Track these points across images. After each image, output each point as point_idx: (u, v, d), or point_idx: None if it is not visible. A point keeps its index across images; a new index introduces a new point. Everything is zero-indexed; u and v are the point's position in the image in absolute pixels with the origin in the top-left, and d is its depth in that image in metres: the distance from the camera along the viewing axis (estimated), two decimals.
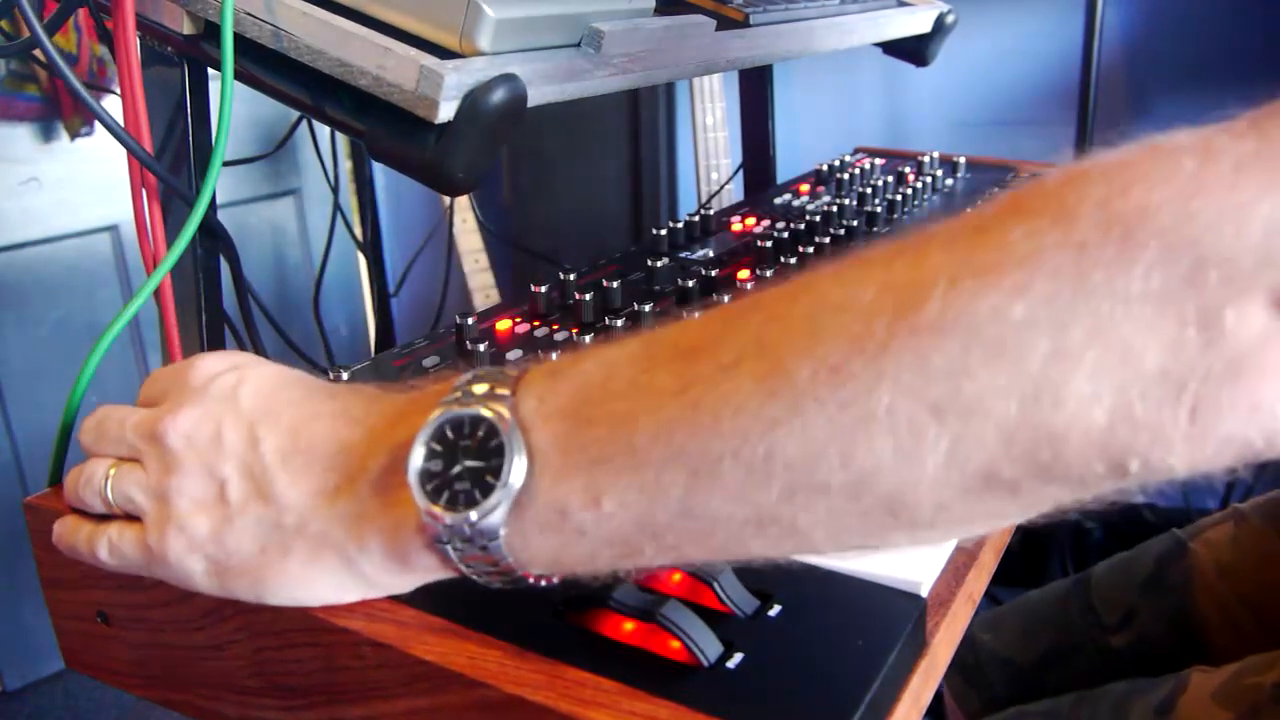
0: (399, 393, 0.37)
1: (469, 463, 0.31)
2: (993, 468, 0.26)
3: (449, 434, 0.32)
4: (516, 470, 0.31)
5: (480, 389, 0.32)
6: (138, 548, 0.38)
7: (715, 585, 0.36)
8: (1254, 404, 0.24)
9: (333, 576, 0.35)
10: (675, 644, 0.34)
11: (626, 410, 0.30)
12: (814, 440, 0.27)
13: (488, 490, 0.31)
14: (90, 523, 0.40)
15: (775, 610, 0.36)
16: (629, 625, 0.35)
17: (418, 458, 0.32)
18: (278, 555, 0.35)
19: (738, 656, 0.34)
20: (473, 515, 0.31)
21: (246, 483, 0.36)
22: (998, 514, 0.28)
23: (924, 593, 0.38)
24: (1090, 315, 0.25)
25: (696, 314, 0.32)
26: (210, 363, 0.39)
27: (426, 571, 0.35)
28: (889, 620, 0.36)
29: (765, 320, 0.29)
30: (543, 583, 0.33)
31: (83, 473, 0.40)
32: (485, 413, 0.31)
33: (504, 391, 0.32)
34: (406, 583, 0.36)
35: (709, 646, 0.34)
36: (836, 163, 1.04)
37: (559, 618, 0.36)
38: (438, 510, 0.31)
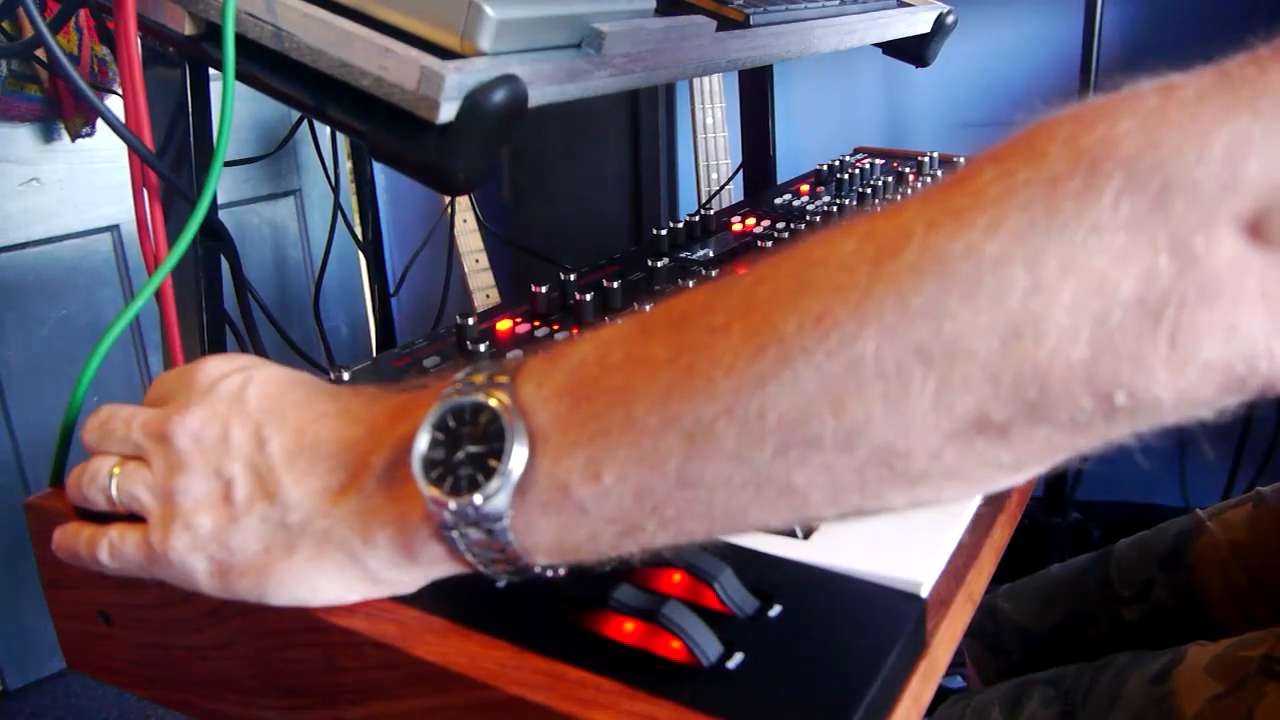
0: (400, 391, 0.37)
1: (471, 448, 0.32)
2: (981, 409, 0.26)
3: (451, 422, 0.32)
4: (517, 452, 0.31)
5: (479, 378, 0.33)
6: (140, 548, 0.38)
7: (716, 585, 0.36)
8: (1230, 327, 0.24)
9: (338, 574, 0.35)
10: (676, 644, 0.34)
11: (622, 383, 0.30)
12: (804, 392, 0.27)
13: (490, 474, 0.31)
14: (90, 527, 0.40)
15: (775, 610, 0.36)
16: (629, 625, 0.35)
17: (421, 445, 0.33)
18: (283, 554, 0.35)
19: (738, 657, 0.34)
20: (476, 499, 0.31)
21: (252, 482, 0.36)
22: (991, 463, 0.28)
23: (924, 593, 0.38)
24: (1064, 248, 0.25)
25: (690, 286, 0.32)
26: (217, 364, 0.40)
27: (433, 564, 0.35)
28: (889, 621, 0.36)
29: (752, 283, 0.30)
30: (549, 573, 0.33)
31: (86, 470, 0.40)
32: (485, 399, 0.32)
33: (503, 379, 0.32)
34: (413, 579, 0.36)
35: (709, 647, 0.34)
36: (836, 163, 1.04)
37: (559, 618, 0.36)
38: (441, 495, 0.31)
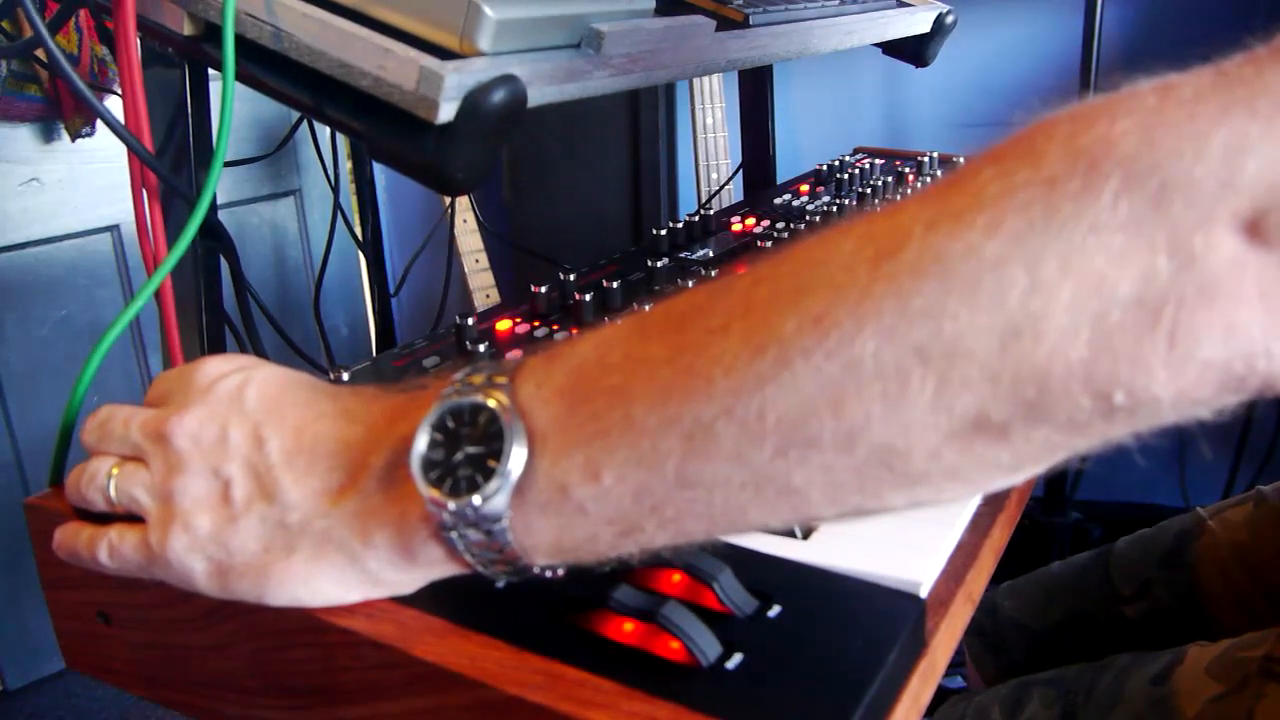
0: (399, 392, 0.37)
1: (470, 449, 0.32)
2: (980, 409, 0.26)
3: (450, 423, 0.32)
4: (516, 453, 0.31)
5: (479, 379, 0.33)
6: (139, 548, 0.38)
7: (715, 586, 0.36)
8: (1229, 326, 0.24)
9: (337, 575, 0.35)
10: (675, 644, 0.34)
11: (621, 383, 0.30)
12: (803, 392, 0.27)
13: (489, 475, 0.31)
14: (90, 527, 0.40)
15: (775, 611, 0.36)
16: (629, 626, 0.35)
17: (420, 446, 0.33)
18: (282, 554, 0.35)
19: (737, 657, 0.34)
20: (475, 500, 0.31)
21: (251, 482, 0.36)
22: (991, 463, 0.28)
23: (923, 593, 0.38)
24: (1062, 248, 0.25)
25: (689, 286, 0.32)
26: (216, 365, 0.40)
27: (431, 565, 0.35)
28: (888, 621, 0.36)
29: (751, 284, 0.30)
30: (548, 574, 0.33)
31: (85, 471, 0.40)
32: (484, 400, 0.32)
33: (502, 380, 0.32)
34: (412, 579, 0.36)
35: (709, 647, 0.34)
36: (836, 163, 1.04)
37: (559, 618, 0.36)
38: (440, 496, 0.32)
